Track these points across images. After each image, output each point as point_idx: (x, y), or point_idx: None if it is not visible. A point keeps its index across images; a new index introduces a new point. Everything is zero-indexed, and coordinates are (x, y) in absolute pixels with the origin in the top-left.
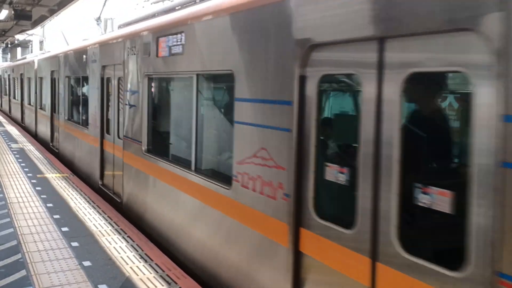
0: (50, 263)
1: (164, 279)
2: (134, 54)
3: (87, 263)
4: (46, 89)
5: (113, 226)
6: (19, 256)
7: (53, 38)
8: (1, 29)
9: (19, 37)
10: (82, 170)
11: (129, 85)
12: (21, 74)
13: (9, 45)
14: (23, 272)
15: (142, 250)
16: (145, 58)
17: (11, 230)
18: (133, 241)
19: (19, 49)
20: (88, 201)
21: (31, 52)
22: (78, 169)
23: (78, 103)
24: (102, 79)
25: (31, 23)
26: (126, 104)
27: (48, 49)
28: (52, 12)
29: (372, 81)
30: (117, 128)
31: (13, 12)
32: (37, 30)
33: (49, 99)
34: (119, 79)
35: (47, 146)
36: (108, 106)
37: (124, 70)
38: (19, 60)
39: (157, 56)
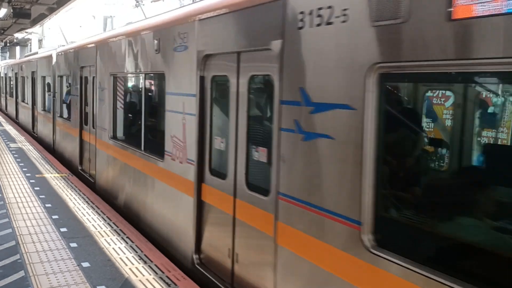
0: (48, 264)
1: (164, 280)
2: (326, 22)
3: (86, 264)
4: (73, 92)
5: (112, 227)
6: (17, 256)
7: (52, 37)
8: (0, 28)
9: (18, 35)
10: (147, 220)
11: (306, 92)
12: (33, 72)
13: (8, 44)
14: (21, 273)
15: (142, 251)
16: (377, 28)
17: (10, 230)
18: (132, 242)
19: (17, 48)
20: (87, 202)
21: (30, 51)
22: (136, 216)
23: (139, 116)
24: (201, 79)
25: (30, 21)
26: (296, 132)
27: (47, 47)
28: (51, 10)
29: None
30: (246, 171)
31: (12, 10)
32: (36, 28)
33: (77, 106)
34: (252, 78)
35: (73, 169)
36: (212, 127)
37: (282, 61)
38: (30, 55)
39: (450, 18)
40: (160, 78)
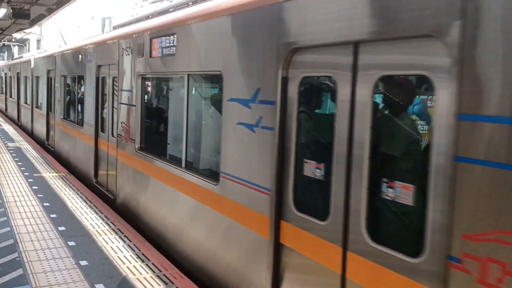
0: (47, 262)
1: (161, 279)
2: None
3: (84, 262)
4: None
5: (110, 226)
6: (15, 255)
7: (50, 37)
8: None
9: (17, 35)
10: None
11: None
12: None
13: (5, 44)
14: (19, 271)
15: (139, 250)
16: None
17: (8, 229)
18: (130, 241)
19: (16, 48)
20: (85, 201)
21: (28, 51)
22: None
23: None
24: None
25: (29, 21)
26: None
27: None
28: (51, 11)
29: None
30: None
31: (11, 10)
32: (35, 29)
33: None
34: None
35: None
36: None
37: None
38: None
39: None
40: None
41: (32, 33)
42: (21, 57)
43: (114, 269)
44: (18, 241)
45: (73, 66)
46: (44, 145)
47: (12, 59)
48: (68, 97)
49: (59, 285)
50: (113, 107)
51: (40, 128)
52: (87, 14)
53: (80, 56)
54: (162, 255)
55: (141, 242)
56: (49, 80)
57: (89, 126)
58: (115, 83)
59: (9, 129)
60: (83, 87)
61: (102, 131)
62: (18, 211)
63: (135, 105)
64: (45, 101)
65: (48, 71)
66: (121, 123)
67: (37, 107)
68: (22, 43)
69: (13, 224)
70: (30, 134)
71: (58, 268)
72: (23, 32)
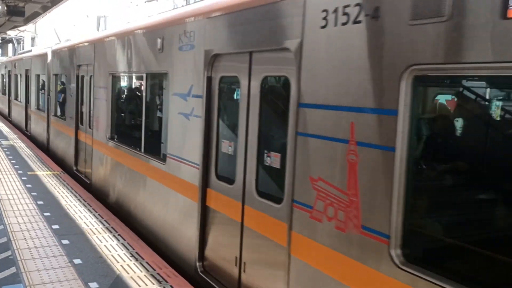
0: (40, 261)
1: (155, 278)
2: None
3: (77, 261)
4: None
5: (104, 225)
6: (9, 253)
7: (45, 35)
8: None
9: (11, 33)
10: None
11: None
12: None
13: (6, 38)
14: (13, 269)
15: (133, 249)
16: None
17: (1, 227)
18: (124, 240)
19: (10, 46)
20: (79, 199)
21: (23, 49)
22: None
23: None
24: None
25: (24, 19)
26: None
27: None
28: (45, 8)
29: None
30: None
31: (5, 8)
32: (29, 26)
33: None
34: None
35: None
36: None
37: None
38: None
39: None
40: None
41: (26, 31)
42: (30, 50)
43: (108, 267)
44: (12, 239)
45: (138, 58)
46: (72, 171)
47: (15, 54)
48: (125, 108)
49: (52, 284)
50: (258, 137)
51: (61, 146)
52: (82, 13)
53: (158, 40)
54: (156, 254)
55: (135, 240)
56: (79, 80)
57: (182, 164)
58: (272, 89)
59: (3, 127)
60: (164, 95)
61: (223, 179)
62: (12, 209)
63: (393, 148)
64: (72, 109)
65: (78, 67)
66: (316, 183)
67: (55, 115)
68: (20, 38)
69: (6, 222)
70: (45, 150)
71: (52, 267)
72: (18, 29)
